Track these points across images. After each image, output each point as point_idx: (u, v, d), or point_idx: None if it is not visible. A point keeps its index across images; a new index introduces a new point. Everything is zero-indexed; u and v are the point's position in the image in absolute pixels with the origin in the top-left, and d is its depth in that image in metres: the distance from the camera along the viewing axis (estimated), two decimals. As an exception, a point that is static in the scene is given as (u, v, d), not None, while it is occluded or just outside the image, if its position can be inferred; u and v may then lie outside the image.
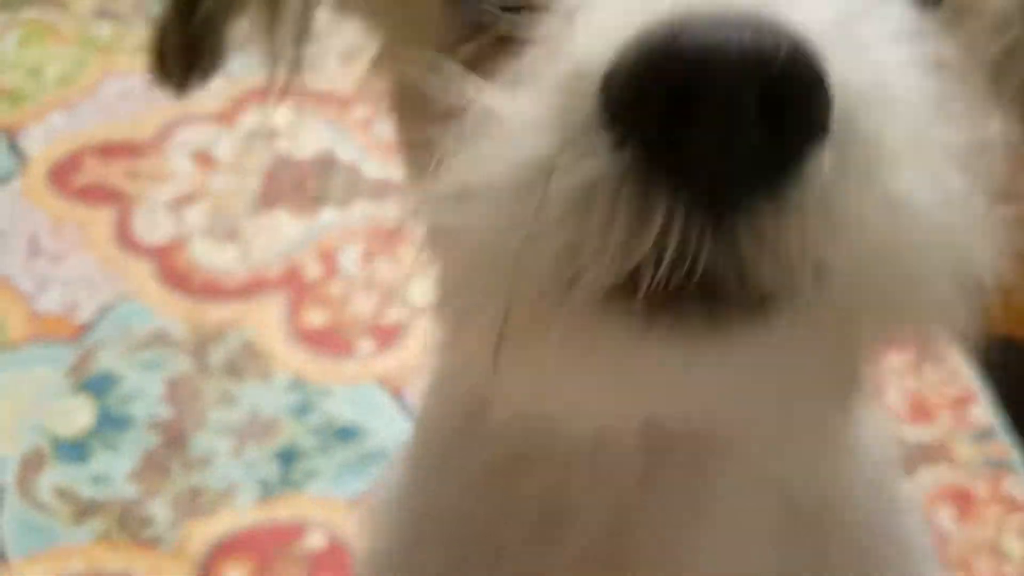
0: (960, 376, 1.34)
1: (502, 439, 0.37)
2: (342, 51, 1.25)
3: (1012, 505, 1.22)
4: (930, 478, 1.23)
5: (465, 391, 0.37)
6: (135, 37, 1.25)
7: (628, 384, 0.27)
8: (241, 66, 1.29)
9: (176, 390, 0.93)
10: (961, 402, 1.32)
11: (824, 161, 0.23)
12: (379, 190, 1.11)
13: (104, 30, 1.26)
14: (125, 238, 1.05)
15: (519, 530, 0.39)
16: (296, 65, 0.39)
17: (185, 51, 0.37)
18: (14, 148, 1.14)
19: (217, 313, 0.99)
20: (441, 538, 0.42)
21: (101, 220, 1.06)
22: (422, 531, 0.43)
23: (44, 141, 1.14)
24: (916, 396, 1.31)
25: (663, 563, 0.37)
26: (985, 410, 1.30)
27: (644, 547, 0.37)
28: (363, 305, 1.01)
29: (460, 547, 0.41)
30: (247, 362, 0.96)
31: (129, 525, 0.83)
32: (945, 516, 1.19)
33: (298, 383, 0.94)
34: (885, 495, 0.42)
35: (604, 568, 0.38)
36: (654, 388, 0.28)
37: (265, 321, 0.99)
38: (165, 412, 0.91)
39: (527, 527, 0.39)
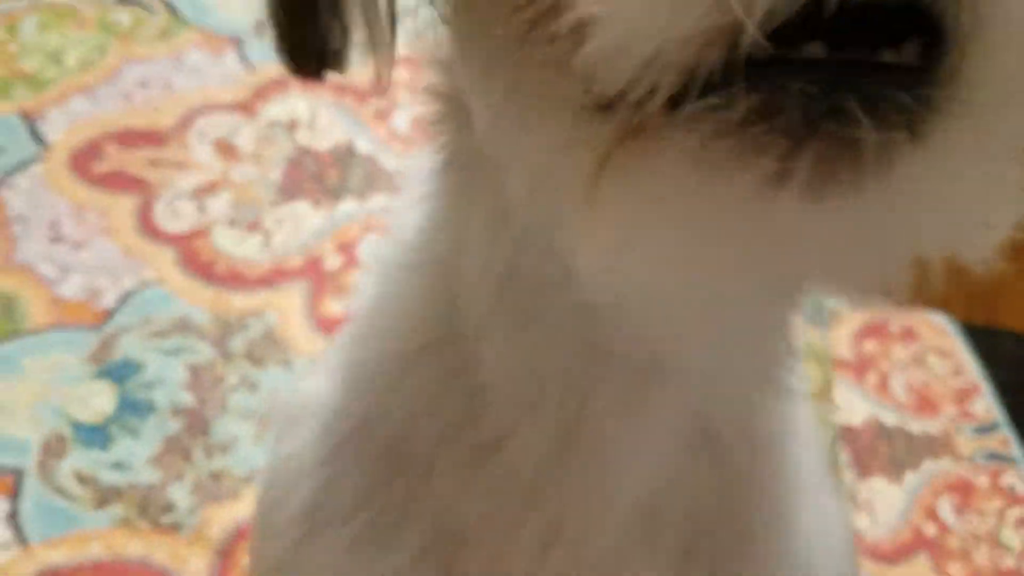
0: (964, 369, 1.36)
1: (462, 356, 0.36)
2: (360, 43, 1.26)
3: (1012, 498, 1.24)
4: (932, 470, 1.25)
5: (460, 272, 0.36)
6: (155, 24, 1.26)
7: (757, 237, 0.24)
8: (262, 56, 1.30)
9: (198, 376, 0.95)
10: (964, 394, 1.34)
11: None
12: (396, 182, 1.12)
13: (124, 16, 1.27)
14: (147, 225, 1.07)
15: (454, 453, 0.38)
16: (391, 49, 0.37)
17: (308, 45, 0.35)
18: (35, 133, 1.15)
19: (239, 301, 1.01)
20: (368, 452, 0.40)
21: (123, 207, 1.08)
22: (346, 440, 0.41)
23: (65, 127, 1.15)
24: (921, 388, 1.33)
25: (588, 496, 0.38)
26: (987, 403, 1.32)
27: (572, 477, 0.37)
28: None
29: (387, 463, 0.40)
30: (268, 349, 0.97)
31: (149, 511, 0.85)
32: (946, 508, 1.21)
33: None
34: (807, 468, 0.42)
35: (528, 497, 0.38)
36: (784, 243, 0.24)
37: (286, 309, 1.00)
38: (186, 398, 0.93)
39: (464, 450, 0.38)
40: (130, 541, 0.83)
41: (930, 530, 1.20)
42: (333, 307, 1.01)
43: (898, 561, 1.19)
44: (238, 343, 0.98)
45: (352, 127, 1.17)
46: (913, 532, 1.18)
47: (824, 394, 0.99)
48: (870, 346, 1.31)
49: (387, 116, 1.18)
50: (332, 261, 1.05)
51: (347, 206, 1.10)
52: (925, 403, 1.28)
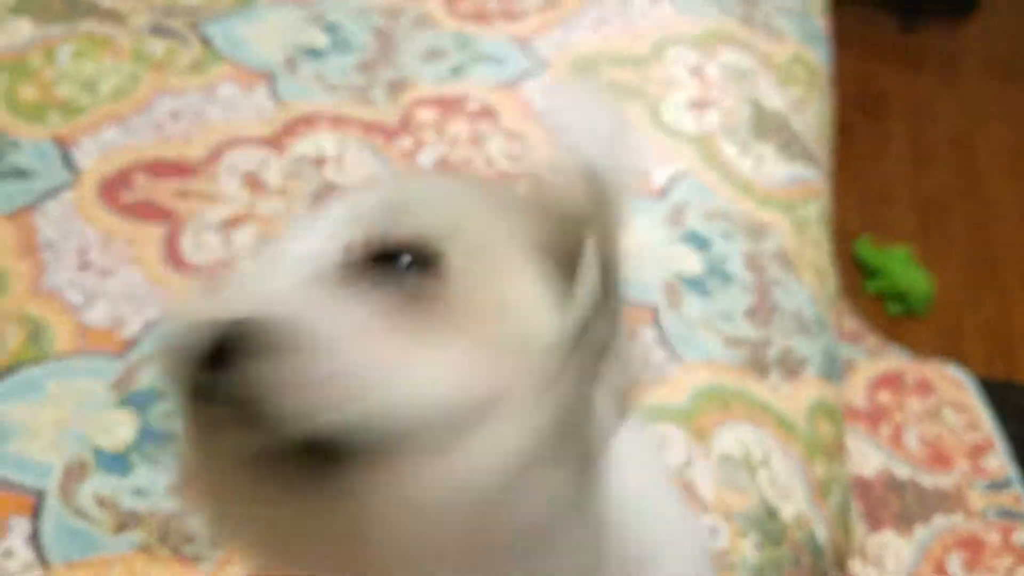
0: (979, 423, 1.36)
1: None
2: (390, 82, 1.29)
3: (1023, 556, 1.24)
4: (943, 525, 1.25)
5: None
6: (188, 55, 1.29)
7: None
8: (293, 92, 1.33)
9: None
10: (978, 450, 1.34)
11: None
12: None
13: (158, 47, 1.30)
14: (173, 256, 1.09)
15: None
16: None
17: None
18: (67, 160, 1.18)
19: (258, 334, 1.02)
20: None
21: (150, 237, 1.10)
22: None
23: (96, 155, 1.18)
24: (935, 441, 1.33)
25: None
26: (1001, 460, 1.32)
27: None
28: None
29: None
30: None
31: (170, 539, 0.86)
32: (955, 563, 1.21)
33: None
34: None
35: None
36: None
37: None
38: (206, 430, 0.94)
39: None
40: (151, 567, 0.85)
41: (939, 585, 1.19)
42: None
43: (906, 615, 1.19)
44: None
45: (379, 165, 1.19)
46: (922, 587, 1.18)
47: (835, 451, 1.00)
48: (885, 397, 1.31)
49: (413, 156, 1.20)
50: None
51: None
52: (938, 457, 1.28)
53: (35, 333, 1.03)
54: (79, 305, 1.05)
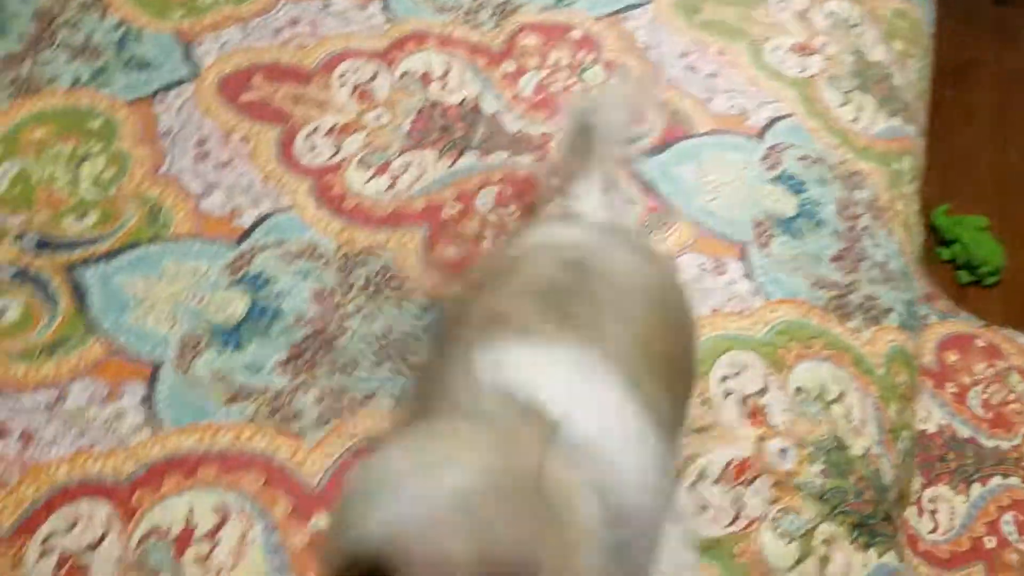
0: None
1: None
2: (498, 6, 1.31)
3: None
4: (1000, 486, 1.27)
5: None
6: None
7: None
8: (404, 9, 1.36)
9: (321, 301, 1.01)
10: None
11: None
12: (516, 142, 1.17)
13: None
14: (286, 156, 1.14)
15: None
16: None
17: None
18: (188, 55, 1.22)
19: (362, 237, 1.07)
20: None
21: (266, 136, 1.15)
22: None
23: (217, 53, 1.22)
24: (999, 405, 1.35)
25: None
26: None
27: None
28: (492, 243, 1.08)
29: None
30: (384, 288, 1.04)
31: (277, 414, 0.92)
32: (1009, 524, 1.24)
33: (428, 308, 1.02)
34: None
35: None
36: None
37: (404, 250, 1.07)
38: (312, 314, 1.00)
39: None
40: (256, 437, 0.91)
41: (989, 543, 1.23)
42: (447, 252, 1.07)
43: (953, 568, 1.22)
44: (358, 277, 1.04)
45: (481, 86, 1.22)
46: (972, 542, 1.21)
47: (908, 398, 1.03)
48: (953, 357, 1.33)
49: (515, 80, 1.23)
50: (450, 209, 1.11)
51: (468, 160, 1.16)
52: (1001, 420, 1.30)
53: (153, 214, 1.09)
54: (197, 192, 1.10)
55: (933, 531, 1.20)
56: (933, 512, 1.24)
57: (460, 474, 0.42)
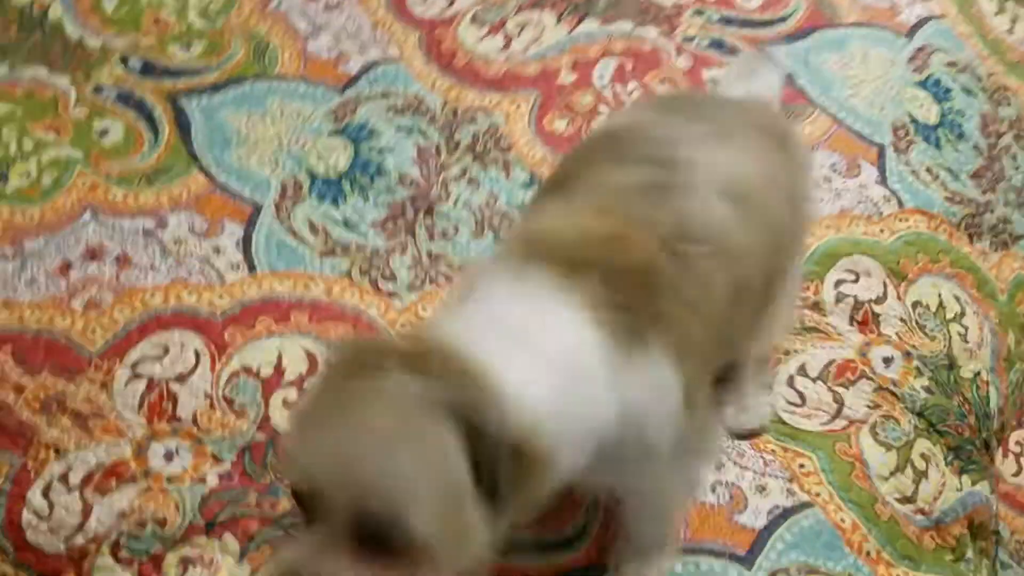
0: None
1: None
2: None
3: None
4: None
5: None
6: None
7: None
8: None
9: (425, 159, 0.98)
10: None
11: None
12: (643, 12, 1.10)
13: None
14: (398, 4, 1.08)
15: None
16: None
17: None
18: None
19: (471, 96, 1.03)
20: None
21: (378, -21, 1.09)
22: None
23: None
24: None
25: None
26: None
27: None
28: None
29: None
30: (491, 150, 0.99)
31: (372, 273, 0.90)
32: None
33: (534, 180, 0.98)
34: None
35: None
36: None
37: (513, 114, 1.02)
38: (414, 173, 0.96)
39: None
40: (347, 292, 0.89)
41: (1078, 489, 1.17)
42: (557, 124, 1.02)
43: (1034, 510, 1.18)
44: (464, 135, 1.00)
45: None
46: (1059, 487, 1.16)
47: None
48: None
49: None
50: (565, 77, 1.05)
51: (589, 26, 1.09)
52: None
53: (260, 50, 1.05)
54: (305, 33, 1.06)
55: (1016, 474, 1.15)
56: (1018, 455, 1.18)
57: (362, 435, 0.51)
